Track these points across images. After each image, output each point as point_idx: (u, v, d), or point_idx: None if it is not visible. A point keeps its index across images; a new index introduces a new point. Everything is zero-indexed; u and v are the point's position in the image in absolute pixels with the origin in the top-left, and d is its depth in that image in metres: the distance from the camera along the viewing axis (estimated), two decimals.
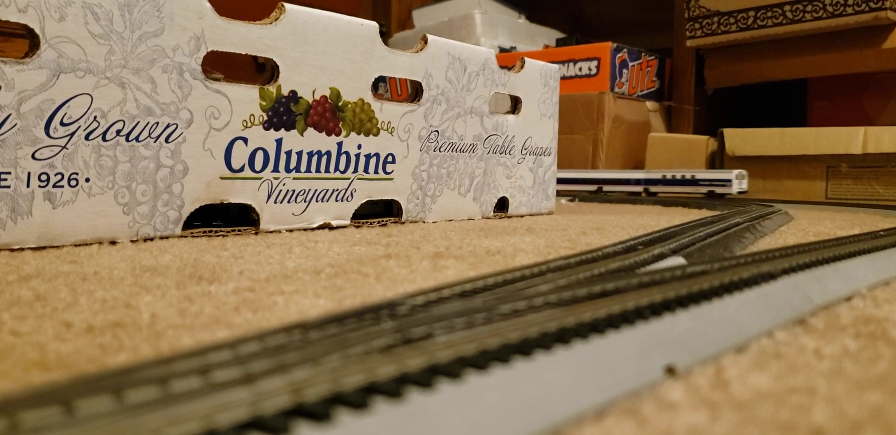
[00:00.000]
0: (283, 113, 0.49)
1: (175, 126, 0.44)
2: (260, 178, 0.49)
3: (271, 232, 0.49)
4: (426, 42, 0.59)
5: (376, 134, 0.56)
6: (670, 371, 0.18)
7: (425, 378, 0.14)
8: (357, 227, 0.55)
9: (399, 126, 0.57)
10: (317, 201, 0.52)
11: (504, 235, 0.50)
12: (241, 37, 0.46)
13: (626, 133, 1.32)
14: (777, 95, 1.48)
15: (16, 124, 0.37)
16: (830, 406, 0.16)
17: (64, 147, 0.39)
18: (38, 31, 0.38)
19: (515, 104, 0.70)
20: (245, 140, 0.47)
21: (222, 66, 0.58)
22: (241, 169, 0.47)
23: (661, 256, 0.33)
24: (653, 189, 1.12)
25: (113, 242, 0.42)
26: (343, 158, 0.54)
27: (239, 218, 0.50)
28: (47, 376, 0.17)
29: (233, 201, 0.47)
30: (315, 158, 0.52)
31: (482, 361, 0.15)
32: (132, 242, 0.42)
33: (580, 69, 1.33)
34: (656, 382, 0.17)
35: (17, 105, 0.37)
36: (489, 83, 0.65)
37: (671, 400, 0.16)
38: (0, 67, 0.36)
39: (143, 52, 0.42)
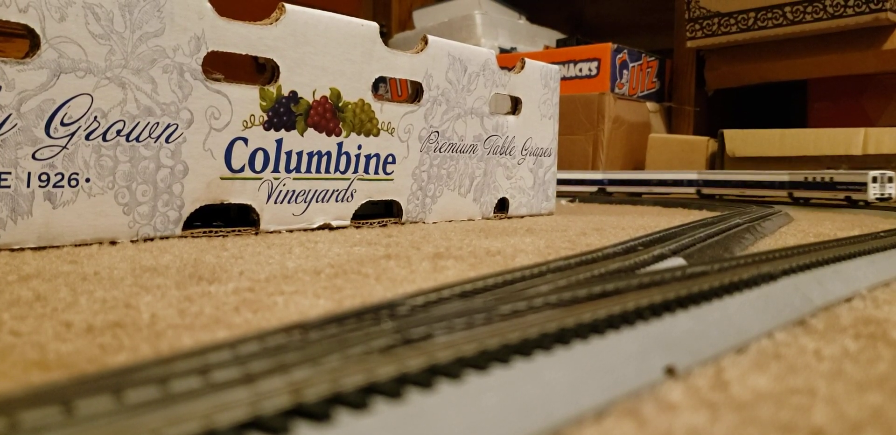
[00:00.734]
0: (283, 113, 0.49)
1: (175, 126, 0.44)
2: (260, 179, 0.49)
3: (271, 232, 0.49)
4: (426, 43, 0.59)
5: (376, 134, 0.56)
6: (670, 372, 0.18)
7: (425, 378, 0.14)
8: (357, 227, 0.55)
9: (399, 127, 0.57)
10: (317, 202, 0.52)
11: (504, 236, 0.50)
12: (242, 37, 0.46)
13: (626, 134, 1.32)
14: (777, 96, 1.48)
15: (16, 124, 0.37)
16: (830, 407, 0.16)
17: (64, 147, 0.39)
18: (38, 31, 0.38)
19: (516, 105, 0.70)
20: (245, 140, 0.47)
21: (223, 66, 0.58)
22: (242, 169, 0.47)
23: (661, 257, 0.33)
24: (797, 194, 0.95)
25: (113, 242, 0.42)
26: (343, 159, 0.54)
27: (239, 218, 0.50)
28: (47, 376, 0.17)
29: (233, 202, 0.47)
30: (315, 159, 0.52)
31: (482, 361, 0.15)
32: (132, 242, 0.42)
33: (580, 70, 1.33)
34: (656, 382, 0.17)
35: (18, 105, 0.37)
36: (489, 84, 0.65)
37: (671, 401, 0.16)
38: (0, 67, 0.36)
39: (143, 52, 0.42)
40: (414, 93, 0.60)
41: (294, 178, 0.51)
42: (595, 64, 1.31)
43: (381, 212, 0.59)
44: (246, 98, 0.47)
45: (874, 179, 0.86)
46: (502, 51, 1.48)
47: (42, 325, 0.22)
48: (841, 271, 0.30)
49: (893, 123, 1.20)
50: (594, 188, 1.16)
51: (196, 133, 0.45)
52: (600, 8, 1.73)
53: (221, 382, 0.13)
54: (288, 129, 0.50)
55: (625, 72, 1.33)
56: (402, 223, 0.59)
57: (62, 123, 0.39)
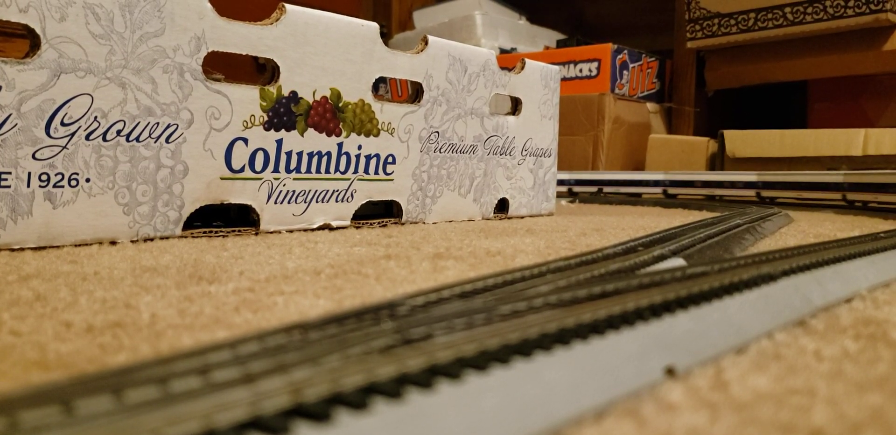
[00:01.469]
0: (283, 113, 0.49)
1: (175, 126, 0.44)
2: (260, 179, 0.49)
3: (271, 232, 0.49)
4: (427, 43, 0.59)
5: (377, 135, 0.56)
6: (670, 372, 0.18)
7: (425, 378, 0.14)
8: (357, 227, 0.55)
9: (399, 127, 0.57)
10: (317, 202, 0.52)
11: (504, 236, 0.50)
12: (242, 37, 0.46)
13: (626, 134, 1.32)
14: (777, 97, 1.48)
15: (16, 124, 0.37)
16: (830, 407, 0.16)
17: (64, 147, 0.39)
18: (38, 31, 0.38)
19: (516, 105, 0.70)
20: (245, 140, 0.47)
21: (223, 66, 0.58)
22: (242, 169, 0.47)
23: (662, 258, 0.33)
24: None
25: (113, 243, 0.42)
26: (343, 159, 0.54)
27: (239, 218, 0.50)
28: (47, 376, 0.17)
29: (233, 202, 0.47)
30: (315, 159, 0.52)
31: (482, 361, 0.15)
32: (132, 242, 0.42)
33: (581, 70, 1.33)
34: (656, 383, 0.17)
35: (18, 105, 0.37)
36: (489, 84, 0.65)
37: (671, 401, 0.16)
38: (1, 67, 0.36)
39: (143, 52, 0.42)
40: (414, 93, 0.60)
41: (294, 179, 0.51)
42: (595, 64, 1.31)
43: (381, 212, 0.59)
44: (246, 98, 0.47)
45: None
46: (502, 51, 1.48)
47: (42, 325, 0.22)
48: (841, 272, 0.30)
49: (894, 124, 1.20)
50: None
51: (196, 133, 0.45)
52: (600, 8, 1.73)
53: (221, 382, 0.13)
54: (288, 130, 0.50)
55: (625, 72, 1.33)
56: (402, 223, 0.59)
57: (62, 123, 0.39)
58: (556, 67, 0.74)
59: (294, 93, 0.50)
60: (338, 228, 0.54)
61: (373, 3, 1.85)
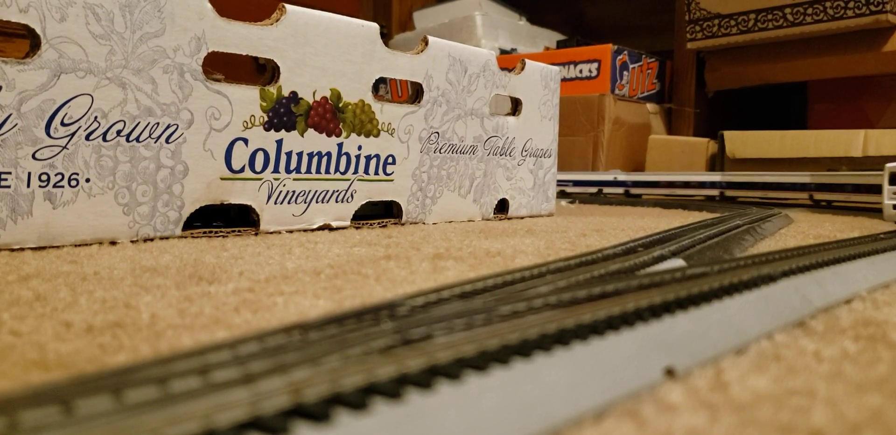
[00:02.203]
0: (283, 114, 0.49)
1: (175, 127, 0.44)
2: (260, 179, 0.49)
3: (271, 233, 0.49)
4: (427, 43, 0.59)
5: (377, 135, 0.56)
6: (670, 373, 0.18)
7: (425, 379, 0.14)
8: (357, 228, 0.55)
9: (399, 127, 0.57)
10: (317, 202, 0.52)
11: (504, 237, 0.50)
12: (242, 38, 0.46)
13: (626, 135, 1.32)
14: (777, 98, 1.48)
15: (16, 124, 0.37)
16: (830, 408, 0.16)
17: (64, 147, 0.39)
18: (38, 31, 0.38)
19: (516, 106, 0.70)
20: (245, 141, 0.47)
21: (223, 66, 0.58)
22: (242, 170, 0.47)
23: (661, 258, 0.33)
24: None
25: (113, 243, 0.42)
26: (343, 159, 0.54)
27: (239, 219, 0.50)
28: (47, 376, 0.17)
29: (233, 202, 0.47)
30: (315, 159, 0.52)
31: (482, 362, 0.15)
32: (132, 242, 0.42)
33: (581, 71, 1.33)
34: (656, 383, 0.17)
35: (18, 105, 0.37)
36: (490, 85, 0.65)
37: (670, 402, 0.16)
38: (1, 67, 0.36)
39: (143, 52, 0.42)
40: (414, 94, 0.60)
41: (294, 179, 0.51)
42: (595, 65, 1.32)
43: (381, 212, 0.59)
44: (246, 98, 0.47)
45: None
46: (503, 52, 1.48)
47: (42, 325, 0.22)
48: (841, 273, 0.30)
49: (893, 125, 1.20)
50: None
51: (196, 133, 0.45)
52: (601, 9, 1.73)
53: (221, 382, 0.13)
54: (288, 130, 0.50)
55: (625, 73, 1.33)
56: (402, 224, 0.59)
57: (62, 123, 0.39)
58: (556, 68, 0.74)
59: (294, 93, 0.50)
60: (338, 228, 0.54)
61: (373, 3, 1.85)
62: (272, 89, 0.49)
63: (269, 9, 0.50)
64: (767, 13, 1.20)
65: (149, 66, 0.42)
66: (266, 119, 0.48)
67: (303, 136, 0.51)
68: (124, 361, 0.18)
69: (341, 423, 0.12)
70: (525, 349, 0.16)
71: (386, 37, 1.68)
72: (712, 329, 0.20)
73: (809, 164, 1.11)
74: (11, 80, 0.37)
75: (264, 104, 0.48)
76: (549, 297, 0.21)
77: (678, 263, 0.32)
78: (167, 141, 0.43)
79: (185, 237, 0.45)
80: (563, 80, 1.29)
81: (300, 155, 0.51)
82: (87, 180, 0.40)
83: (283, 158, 0.50)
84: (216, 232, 0.46)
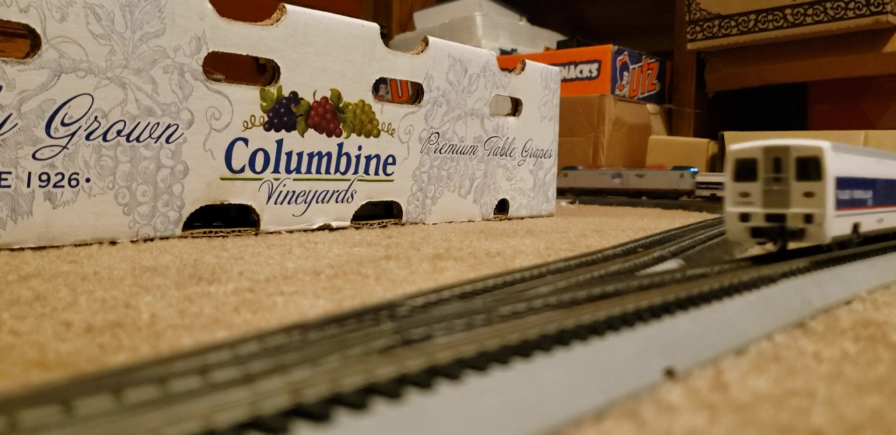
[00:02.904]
0: (283, 114, 0.49)
1: (176, 127, 0.44)
2: (260, 179, 0.49)
3: (271, 233, 0.49)
4: (427, 44, 0.59)
5: (377, 135, 0.56)
6: (669, 373, 0.18)
7: (424, 379, 0.14)
8: (357, 228, 0.55)
9: (400, 128, 0.57)
10: (317, 202, 0.52)
11: (504, 237, 0.50)
12: (243, 38, 0.46)
13: (626, 135, 1.32)
14: (778, 98, 1.48)
15: (17, 124, 0.37)
16: (829, 409, 0.16)
17: (65, 147, 0.39)
18: (39, 31, 0.38)
19: (516, 106, 0.70)
20: (245, 141, 0.47)
21: (223, 66, 0.58)
22: (242, 170, 0.47)
23: (661, 259, 0.33)
24: None
25: (113, 243, 0.42)
26: (343, 160, 0.54)
27: (239, 219, 0.50)
28: (46, 376, 0.17)
29: (233, 202, 0.47)
30: (315, 159, 0.52)
31: (481, 362, 0.15)
32: (132, 242, 0.42)
33: (581, 72, 1.33)
34: (655, 384, 0.17)
35: (18, 105, 0.37)
36: (490, 85, 0.65)
37: (670, 402, 0.16)
38: (1, 67, 0.36)
39: (144, 52, 0.42)
40: (414, 94, 0.60)
41: (294, 179, 0.51)
42: (595, 66, 1.32)
43: (381, 213, 0.59)
44: (246, 99, 0.47)
45: None
46: (503, 52, 1.48)
47: (42, 324, 0.22)
48: (840, 274, 0.30)
49: (893, 126, 1.20)
50: None
51: (196, 133, 0.45)
52: (601, 10, 1.73)
53: (221, 382, 0.13)
54: (288, 130, 0.50)
55: (625, 74, 1.33)
56: (402, 224, 0.59)
57: (63, 123, 0.39)
58: (557, 68, 0.74)
59: (294, 93, 0.50)
60: (338, 228, 0.54)
61: (373, 3, 1.85)
62: (272, 89, 0.49)
63: (269, 9, 0.50)
64: (768, 14, 1.20)
65: (149, 66, 0.42)
66: (266, 119, 0.48)
67: (303, 136, 0.51)
68: (124, 361, 0.18)
69: (341, 423, 0.12)
70: (525, 350, 0.16)
71: (386, 37, 1.68)
72: (712, 330, 0.20)
73: None
74: (12, 79, 0.37)
75: (264, 104, 0.48)
76: (549, 297, 0.21)
77: (678, 263, 0.32)
78: (167, 141, 0.43)
79: (185, 237, 0.45)
80: (564, 80, 1.29)
81: (300, 155, 0.51)
82: (88, 180, 0.40)
83: (284, 158, 0.50)
84: (216, 232, 0.46)
